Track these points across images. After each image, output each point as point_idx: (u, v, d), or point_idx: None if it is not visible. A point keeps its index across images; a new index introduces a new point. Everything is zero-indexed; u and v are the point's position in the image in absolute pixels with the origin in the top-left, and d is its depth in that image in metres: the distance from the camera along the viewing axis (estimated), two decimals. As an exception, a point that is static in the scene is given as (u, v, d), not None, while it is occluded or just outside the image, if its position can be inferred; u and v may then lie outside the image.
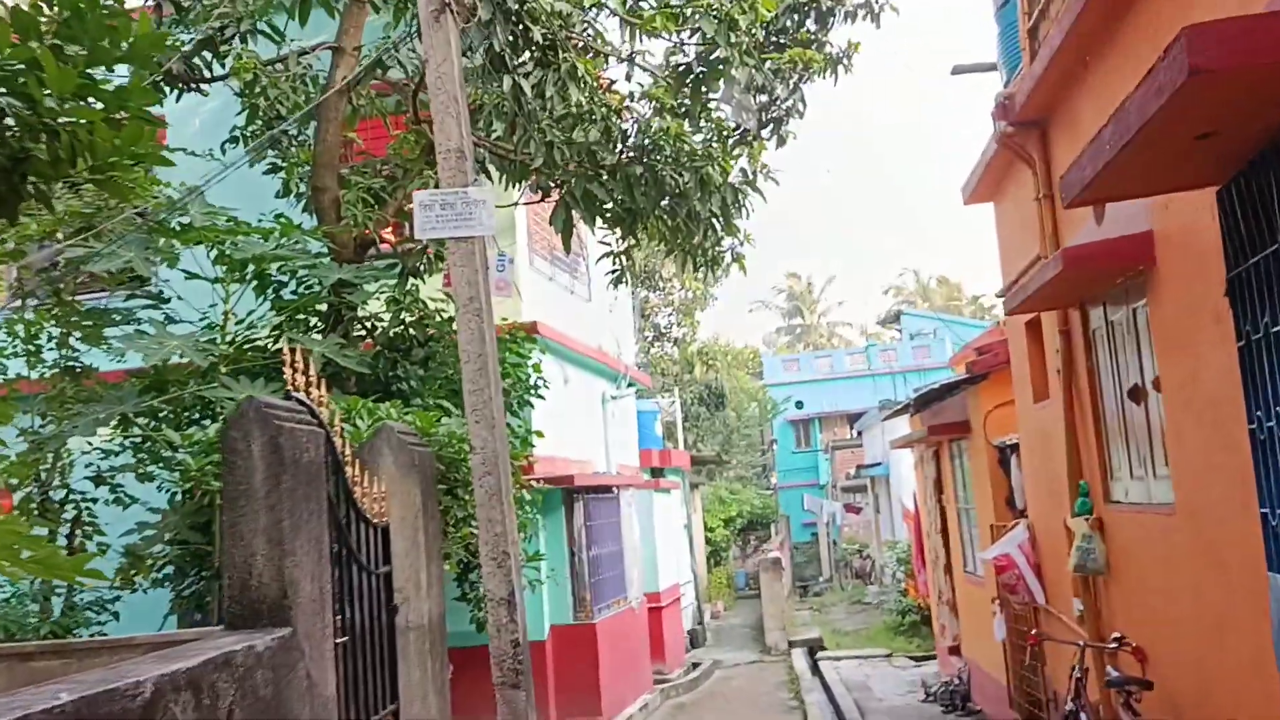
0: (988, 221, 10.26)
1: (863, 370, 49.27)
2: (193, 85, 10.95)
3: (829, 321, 73.70)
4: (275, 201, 11.08)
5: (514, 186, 10.64)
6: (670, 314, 35.16)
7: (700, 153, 9.02)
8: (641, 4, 10.37)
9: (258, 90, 10.81)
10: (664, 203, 10.10)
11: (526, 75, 8.07)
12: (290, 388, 4.07)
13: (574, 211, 9.04)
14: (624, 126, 8.91)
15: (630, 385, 17.86)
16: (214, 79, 10.80)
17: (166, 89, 10.70)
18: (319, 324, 10.21)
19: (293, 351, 4.22)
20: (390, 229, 10.91)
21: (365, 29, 10.69)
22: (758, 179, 10.22)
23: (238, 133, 11.27)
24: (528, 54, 8.19)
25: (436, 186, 10.64)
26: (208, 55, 10.56)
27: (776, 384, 48.17)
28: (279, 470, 3.51)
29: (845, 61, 11.21)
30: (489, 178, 11.66)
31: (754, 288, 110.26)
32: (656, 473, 20.51)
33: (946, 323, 49.99)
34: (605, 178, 9.03)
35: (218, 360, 9.06)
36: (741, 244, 11.45)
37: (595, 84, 8.64)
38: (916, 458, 15.88)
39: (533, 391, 10.28)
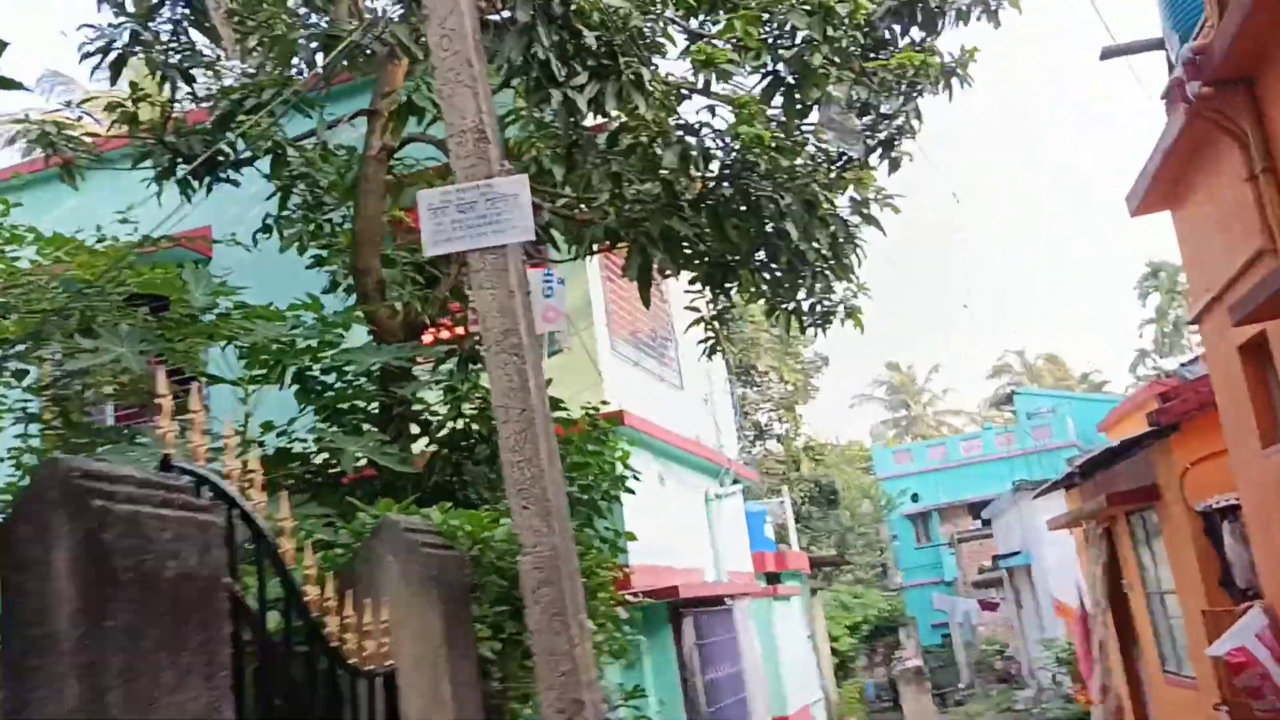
0: (1091, 287, 8.36)
1: (979, 457, 46.37)
2: (221, 175, 9.65)
3: (935, 411, 70.86)
4: (326, 299, 9.71)
5: (586, 256, 9.10)
6: (770, 410, 33.21)
7: (802, 171, 7.32)
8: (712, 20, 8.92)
9: (287, 170, 9.53)
10: (760, 250, 8.45)
11: (580, 89, 6.51)
12: (168, 449, 2.43)
13: (653, 257, 7.37)
14: (706, 145, 7.26)
15: (735, 482, 15.96)
16: (240, 162, 9.51)
17: (195, 182, 9.46)
18: (367, 425, 8.66)
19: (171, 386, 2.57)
20: (444, 309, 9.37)
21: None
22: (872, 207, 8.50)
23: (270, 220, 10.02)
24: (580, 66, 6.66)
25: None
26: (230, 136, 9.29)
27: (890, 477, 45.48)
28: (104, 595, 1.83)
29: (960, 71, 9.57)
30: (555, 247, 10.16)
31: (851, 382, 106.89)
32: (773, 578, 18.39)
33: (1064, 399, 47.12)
34: (687, 211, 7.38)
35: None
36: (855, 294, 9.69)
37: (667, 98, 7.06)
38: (1080, 539, 13.58)
39: (621, 484, 8.50)
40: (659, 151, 7.18)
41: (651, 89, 6.86)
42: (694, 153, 7.15)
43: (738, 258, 8.77)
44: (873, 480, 45.18)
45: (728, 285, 9.41)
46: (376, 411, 8.74)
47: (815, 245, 8.18)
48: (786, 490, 27.88)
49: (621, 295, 13.19)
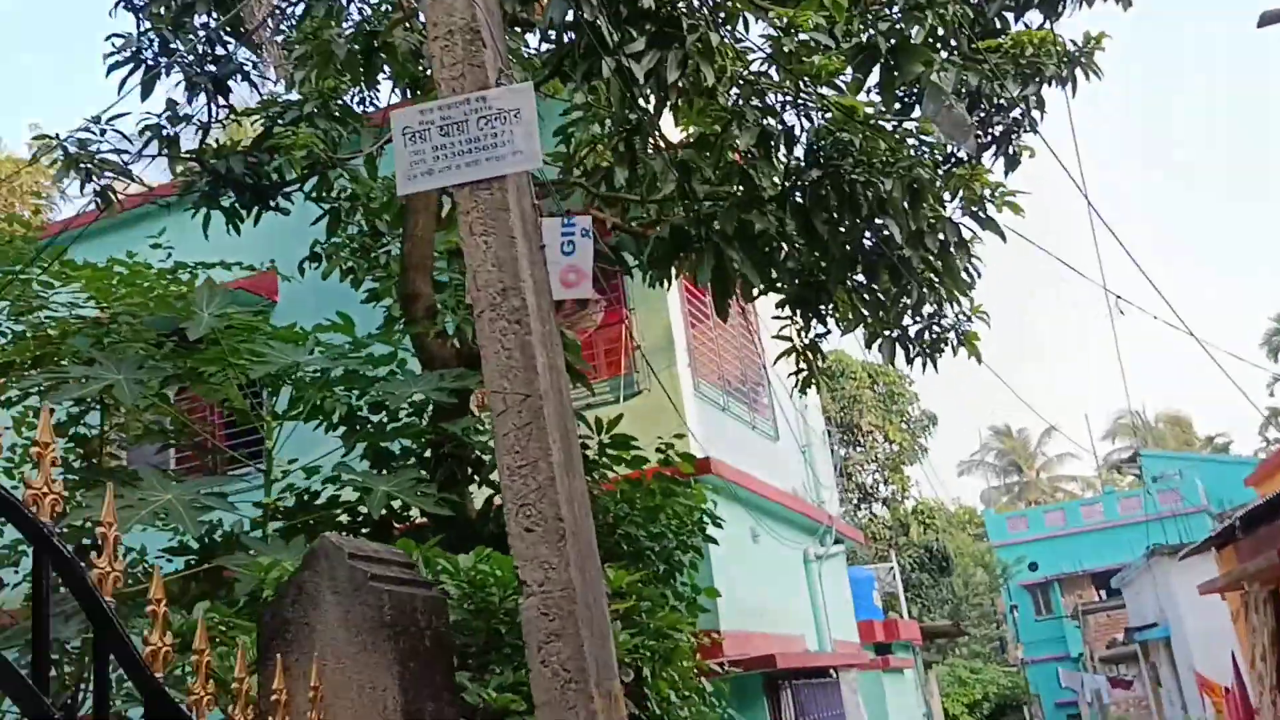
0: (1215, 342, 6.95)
1: (1102, 522, 43.65)
2: (269, 202, 8.87)
3: (1050, 476, 67.62)
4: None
5: (663, 284, 8.05)
6: (875, 471, 31.53)
7: (905, 154, 6.16)
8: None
9: (333, 192, 8.77)
10: (857, 261, 7.32)
11: (637, 57, 5.52)
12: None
13: (730, 260, 6.26)
14: (789, 125, 6.17)
15: (838, 541, 14.58)
16: (287, 183, 8.73)
17: (243, 212, 8.70)
18: (419, 468, 7.70)
19: None
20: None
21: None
22: (987, 208, 7.29)
23: (319, 247, 9.24)
24: (638, 32, 5.68)
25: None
26: (273, 157, 8.51)
27: (1005, 544, 43.01)
28: None
29: (1085, 61, 8.39)
30: (627, 272, 9.18)
31: (959, 445, 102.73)
32: (882, 649, 16.84)
33: (1193, 461, 44.26)
34: (768, 208, 6.29)
35: (263, 517, 6.64)
36: (969, 317, 8.46)
37: (741, 70, 6.03)
38: (1237, 605, 11.88)
39: (701, 531, 7.35)
40: (734, 137, 6.14)
41: (722, 60, 5.85)
42: (775, 135, 6.08)
43: (830, 274, 7.67)
44: (986, 547, 42.81)
45: (821, 308, 8.30)
46: (430, 455, 7.82)
47: (923, 252, 7.02)
48: (894, 555, 26.19)
49: (708, 336, 12.15)
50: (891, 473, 31.37)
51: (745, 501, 11.41)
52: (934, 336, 8.55)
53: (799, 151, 6.27)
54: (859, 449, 31.02)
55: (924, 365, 8.65)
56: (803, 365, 8.83)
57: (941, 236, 7.08)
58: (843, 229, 6.48)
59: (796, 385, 8.77)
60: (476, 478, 7.63)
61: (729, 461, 10.79)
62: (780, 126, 6.06)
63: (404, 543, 4.99)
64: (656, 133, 6.00)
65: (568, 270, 3.08)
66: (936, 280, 7.56)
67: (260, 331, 6.62)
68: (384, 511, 7.05)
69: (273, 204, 8.80)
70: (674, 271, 7.86)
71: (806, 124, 5.99)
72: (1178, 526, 33.25)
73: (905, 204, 6.06)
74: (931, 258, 7.14)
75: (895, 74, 6.66)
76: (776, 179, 6.31)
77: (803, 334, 8.81)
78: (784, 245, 6.57)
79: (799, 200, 6.36)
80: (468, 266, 2.90)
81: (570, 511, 2.74)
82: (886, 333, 8.40)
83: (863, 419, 30.15)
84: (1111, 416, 66.57)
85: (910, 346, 8.57)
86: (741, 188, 6.18)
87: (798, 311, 8.39)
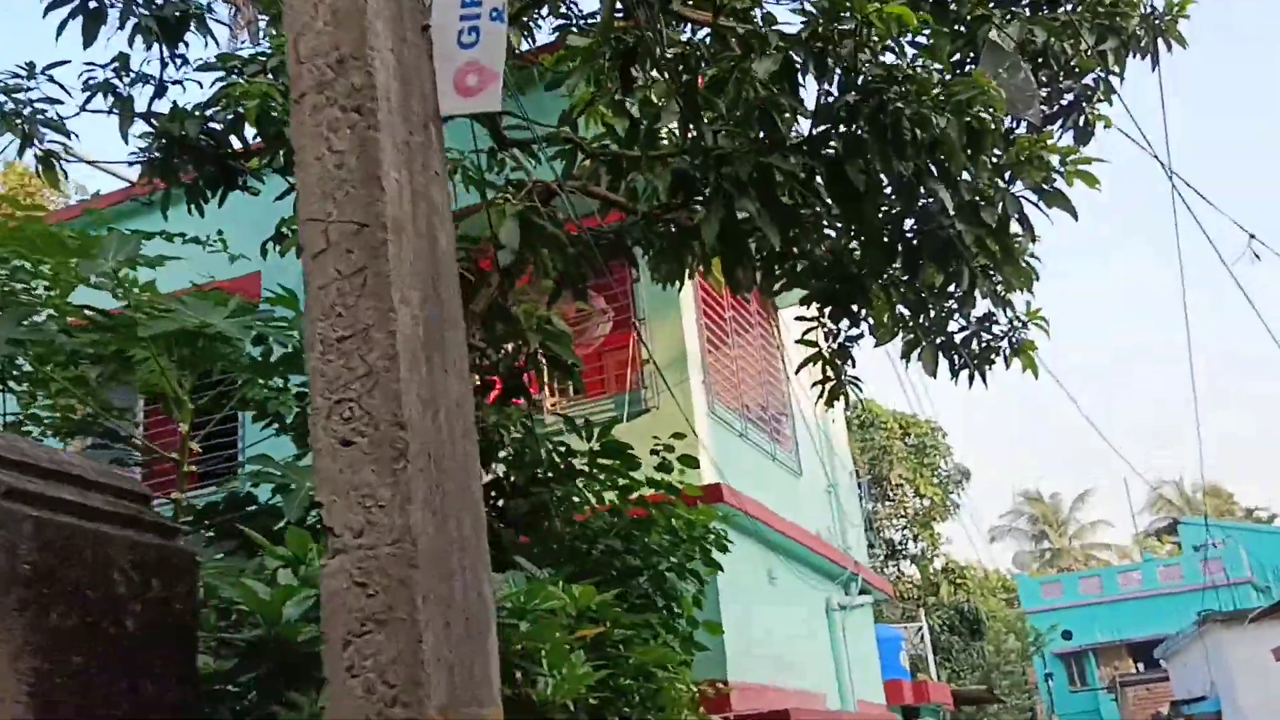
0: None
1: (1141, 591, 41.76)
2: (237, 180, 7.80)
3: (1082, 544, 65.53)
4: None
5: (674, 283, 6.95)
6: (905, 527, 30.05)
7: (964, 89, 4.99)
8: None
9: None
10: (897, 246, 6.20)
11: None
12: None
13: (742, 212, 5.10)
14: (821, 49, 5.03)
15: (864, 592, 13.25)
16: (248, 154, 7.68)
17: (209, 193, 7.66)
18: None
19: None
20: (484, 324, 7.27)
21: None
22: (1056, 179, 6.12)
23: (285, 229, 8.22)
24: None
25: (563, 271, 7.07)
26: (228, 114, 7.46)
27: (1038, 611, 41.15)
28: None
29: (1165, 29, 7.31)
30: (633, 264, 8.09)
31: (985, 510, 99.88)
32: (910, 713, 15.41)
33: (1236, 530, 42.36)
34: (793, 153, 5.15)
35: (174, 516, 5.50)
36: (1025, 323, 7.33)
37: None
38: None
39: (704, 553, 6.14)
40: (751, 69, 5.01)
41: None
42: (802, 64, 4.96)
43: (864, 261, 6.55)
44: (1018, 613, 40.96)
45: (853, 306, 7.18)
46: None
47: (977, 230, 5.85)
48: (923, 614, 24.66)
49: (728, 357, 11.00)
50: (921, 529, 29.90)
51: (761, 537, 10.18)
52: (984, 345, 7.44)
53: (830, 88, 5.14)
54: (888, 503, 29.61)
55: (970, 379, 7.50)
56: (829, 374, 7.69)
57: (1000, 211, 5.92)
58: (881, 184, 5.33)
59: (821, 395, 7.60)
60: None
61: (745, 492, 9.58)
62: (808, 53, 4.93)
63: (296, 534, 3.83)
64: (658, 52, 4.88)
65: (467, 70, 1.97)
66: (991, 267, 6.42)
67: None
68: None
69: (241, 182, 7.78)
70: (686, 269, 6.76)
71: (846, 45, 4.81)
72: (1223, 597, 31.49)
73: (963, 148, 4.90)
74: (987, 238, 5.97)
75: (953, 8, 5.58)
76: (804, 120, 5.19)
77: (831, 337, 7.69)
78: (810, 204, 5.41)
79: (830, 150, 5.24)
80: (286, 31, 1.80)
81: (428, 421, 1.59)
82: (928, 340, 7.29)
83: (892, 471, 28.79)
84: (1147, 487, 64.47)
85: (956, 356, 7.45)
86: (761, 130, 5.05)
87: (825, 311, 7.30)
